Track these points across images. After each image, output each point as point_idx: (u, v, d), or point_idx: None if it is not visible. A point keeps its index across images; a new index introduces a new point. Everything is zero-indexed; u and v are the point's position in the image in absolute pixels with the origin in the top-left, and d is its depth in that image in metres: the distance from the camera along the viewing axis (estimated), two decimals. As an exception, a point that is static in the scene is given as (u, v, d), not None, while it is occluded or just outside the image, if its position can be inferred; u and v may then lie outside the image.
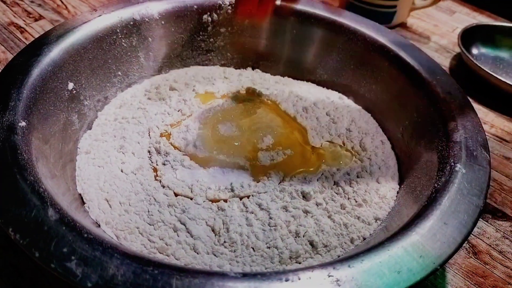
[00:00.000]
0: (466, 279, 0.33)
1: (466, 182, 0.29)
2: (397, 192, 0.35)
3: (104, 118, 0.39)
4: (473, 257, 0.34)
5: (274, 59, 0.48)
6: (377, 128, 0.41)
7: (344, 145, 0.39)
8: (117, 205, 0.32)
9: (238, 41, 0.47)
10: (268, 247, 0.30)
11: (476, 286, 0.32)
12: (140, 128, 0.38)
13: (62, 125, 0.35)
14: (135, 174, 0.34)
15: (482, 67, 0.49)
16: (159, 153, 0.36)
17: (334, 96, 0.45)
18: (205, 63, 0.47)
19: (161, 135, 0.38)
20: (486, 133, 0.34)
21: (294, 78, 0.47)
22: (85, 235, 0.24)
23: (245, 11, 0.35)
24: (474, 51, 0.56)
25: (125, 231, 0.30)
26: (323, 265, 0.24)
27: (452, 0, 0.70)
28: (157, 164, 0.35)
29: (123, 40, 0.41)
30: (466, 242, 0.32)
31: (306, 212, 0.32)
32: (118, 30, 0.41)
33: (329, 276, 0.23)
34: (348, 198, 0.34)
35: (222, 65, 0.48)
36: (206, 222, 0.31)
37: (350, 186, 0.35)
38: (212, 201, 0.33)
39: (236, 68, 0.48)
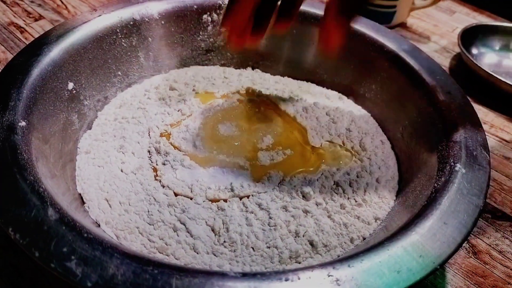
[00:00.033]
0: (466, 279, 0.33)
1: (466, 182, 0.29)
2: (397, 192, 0.35)
3: (104, 118, 0.39)
4: (473, 257, 0.34)
5: (274, 59, 0.48)
6: (377, 128, 0.42)
7: (344, 145, 0.39)
8: (117, 205, 0.32)
9: (238, 41, 0.47)
10: (268, 247, 0.30)
11: (476, 286, 0.32)
12: (140, 128, 0.38)
13: (62, 125, 0.35)
14: (135, 174, 0.34)
15: (482, 67, 0.49)
16: (159, 153, 0.36)
17: (334, 96, 0.45)
18: (205, 63, 0.47)
19: (161, 135, 0.38)
20: (486, 133, 0.34)
21: (294, 78, 0.47)
22: (85, 235, 0.24)
23: (239, 42, 0.35)
24: (474, 51, 0.56)
25: (125, 231, 0.30)
26: (322, 265, 0.24)
27: (452, 0, 0.70)
28: (157, 164, 0.35)
29: (123, 40, 0.41)
30: (466, 242, 0.32)
31: (306, 212, 0.32)
32: (118, 30, 0.41)
33: (329, 276, 0.23)
34: (348, 198, 0.34)
35: (222, 65, 0.48)
36: (206, 222, 0.31)
37: (350, 186, 0.35)
38: (212, 201, 0.33)
39: (236, 68, 0.48)
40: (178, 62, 0.46)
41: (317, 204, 0.33)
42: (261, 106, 0.41)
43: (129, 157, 0.36)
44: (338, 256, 0.30)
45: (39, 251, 0.23)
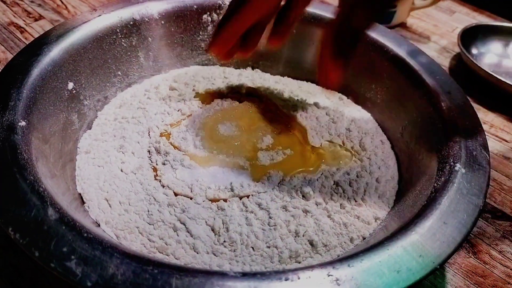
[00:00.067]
0: (466, 278, 0.33)
1: (466, 182, 0.29)
2: (397, 192, 0.35)
3: (104, 117, 0.39)
4: (472, 256, 0.34)
5: (274, 59, 0.48)
6: (377, 128, 0.42)
7: (343, 145, 0.39)
8: (117, 205, 0.32)
9: (238, 41, 0.47)
10: (268, 247, 0.30)
11: (476, 285, 0.32)
12: (140, 128, 0.38)
13: (62, 125, 0.35)
14: (135, 173, 0.34)
15: (482, 67, 0.49)
16: (159, 152, 0.36)
17: (334, 96, 0.45)
18: (204, 63, 0.47)
19: (161, 135, 0.38)
20: (486, 133, 0.34)
21: (294, 78, 0.47)
22: (85, 235, 0.24)
23: (227, 57, 0.36)
24: (474, 51, 0.56)
25: (125, 230, 0.30)
26: (322, 265, 0.24)
27: (452, 0, 0.70)
28: (157, 164, 0.35)
29: (123, 40, 0.41)
30: (465, 241, 0.32)
31: (305, 211, 0.32)
32: (118, 30, 0.41)
33: (329, 276, 0.23)
34: (348, 198, 0.34)
35: (222, 65, 0.48)
36: (206, 222, 0.31)
37: (349, 185, 0.35)
38: (212, 200, 0.33)
39: (236, 68, 0.48)
40: (178, 62, 0.46)
41: (317, 204, 0.33)
42: (261, 106, 0.41)
43: (129, 157, 0.36)
44: (338, 255, 0.30)
45: (39, 251, 0.23)
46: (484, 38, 0.57)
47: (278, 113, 0.41)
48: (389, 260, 0.24)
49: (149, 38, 0.43)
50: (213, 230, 0.31)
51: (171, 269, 0.22)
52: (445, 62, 0.56)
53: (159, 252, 0.29)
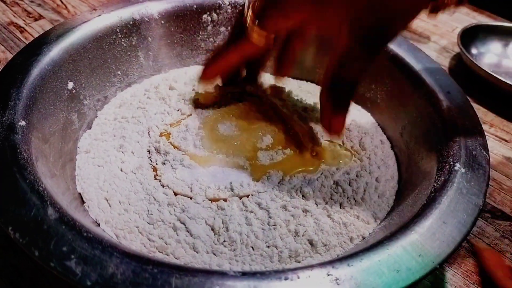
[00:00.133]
0: (466, 278, 0.33)
1: (466, 182, 0.29)
2: (396, 191, 0.35)
3: (103, 117, 0.39)
4: (472, 256, 0.34)
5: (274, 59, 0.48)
6: (377, 128, 0.42)
7: (343, 145, 0.39)
8: (117, 204, 0.32)
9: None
10: (268, 246, 0.30)
11: (475, 285, 0.32)
12: (139, 128, 0.38)
13: (62, 125, 0.35)
14: (135, 173, 0.34)
15: (482, 67, 0.49)
16: (158, 152, 0.36)
17: (333, 96, 0.45)
18: (204, 62, 0.47)
19: (161, 135, 0.38)
20: (486, 133, 0.34)
21: (294, 78, 0.47)
22: (85, 234, 0.24)
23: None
24: (474, 51, 0.56)
25: (125, 230, 0.30)
26: (322, 264, 0.24)
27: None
28: (156, 164, 0.35)
29: (123, 40, 0.41)
30: (465, 241, 0.32)
31: (305, 211, 0.32)
32: (117, 30, 0.41)
33: (328, 275, 0.23)
34: (348, 197, 0.34)
35: (221, 64, 0.48)
36: (206, 221, 0.31)
37: (349, 185, 0.35)
38: (212, 200, 0.33)
39: (235, 68, 0.47)
40: (178, 61, 0.46)
41: (316, 203, 0.33)
42: (261, 106, 0.41)
43: (129, 157, 0.36)
44: (338, 255, 0.30)
45: (38, 250, 0.23)
46: (484, 38, 0.57)
47: (278, 113, 0.41)
48: (389, 260, 0.24)
49: (149, 38, 0.43)
50: (213, 229, 0.31)
51: (171, 269, 0.22)
52: (445, 62, 0.56)
53: (159, 251, 0.29)
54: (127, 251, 0.23)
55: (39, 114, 0.32)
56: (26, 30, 0.52)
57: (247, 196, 0.33)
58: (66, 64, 0.36)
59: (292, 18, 0.32)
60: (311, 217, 0.32)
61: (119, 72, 0.42)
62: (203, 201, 0.32)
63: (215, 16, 0.45)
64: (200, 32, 0.46)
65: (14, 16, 0.54)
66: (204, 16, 0.45)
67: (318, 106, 0.42)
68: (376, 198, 0.34)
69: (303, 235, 0.31)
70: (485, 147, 0.32)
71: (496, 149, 0.45)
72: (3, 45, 0.49)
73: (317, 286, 0.23)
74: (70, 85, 0.37)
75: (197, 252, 0.29)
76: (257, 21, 0.31)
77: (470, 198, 0.28)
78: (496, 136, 0.46)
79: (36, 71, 0.34)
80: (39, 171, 0.28)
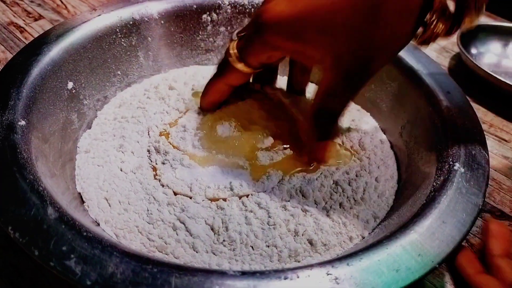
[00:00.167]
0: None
1: (465, 181, 0.29)
2: (396, 191, 0.35)
3: (103, 117, 0.39)
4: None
5: (273, 59, 0.48)
6: (376, 127, 0.42)
7: (343, 144, 0.39)
8: (117, 204, 0.32)
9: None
10: (267, 246, 0.30)
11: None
12: (139, 127, 0.38)
13: (62, 124, 0.35)
14: (135, 173, 0.34)
15: (481, 67, 0.49)
16: (158, 152, 0.36)
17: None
18: (204, 62, 0.47)
19: (161, 134, 0.38)
20: (485, 133, 0.34)
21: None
22: (85, 234, 0.24)
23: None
24: (473, 51, 0.56)
25: (125, 229, 0.30)
26: (322, 264, 0.24)
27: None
28: (156, 163, 0.35)
29: (123, 40, 0.41)
30: (464, 241, 0.32)
31: (305, 211, 0.32)
32: (117, 30, 0.41)
33: (328, 274, 0.23)
34: (347, 197, 0.34)
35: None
36: (205, 221, 0.31)
37: (349, 185, 0.35)
38: (211, 200, 0.33)
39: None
40: (178, 61, 0.46)
41: (316, 203, 0.33)
42: (261, 105, 0.41)
43: (129, 156, 0.36)
44: (337, 254, 0.30)
45: (38, 250, 0.23)
46: (483, 38, 0.57)
47: (278, 112, 0.41)
48: (388, 259, 0.24)
49: (149, 38, 0.43)
50: (212, 229, 0.31)
51: (171, 268, 0.22)
52: (444, 62, 0.56)
53: (159, 251, 0.29)
54: (127, 251, 0.23)
55: (39, 114, 0.32)
56: (26, 30, 0.52)
57: (247, 195, 0.33)
58: (66, 64, 0.36)
59: (275, 56, 0.33)
60: (310, 217, 0.32)
61: (119, 72, 0.42)
62: (203, 200, 0.32)
63: (214, 16, 0.45)
64: (200, 32, 0.46)
65: (14, 16, 0.54)
66: (204, 16, 0.45)
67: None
68: (376, 198, 0.34)
69: (302, 235, 0.31)
70: (484, 147, 0.32)
71: (496, 149, 0.45)
72: (3, 45, 0.50)
73: (317, 285, 0.23)
74: (70, 85, 0.37)
75: (196, 252, 0.29)
76: (241, 58, 0.33)
77: (470, 198, 0.28)
78: (495, 136, 0.46)
79: (36, 71, 0.34)
80: (39, 170, 0.28)
